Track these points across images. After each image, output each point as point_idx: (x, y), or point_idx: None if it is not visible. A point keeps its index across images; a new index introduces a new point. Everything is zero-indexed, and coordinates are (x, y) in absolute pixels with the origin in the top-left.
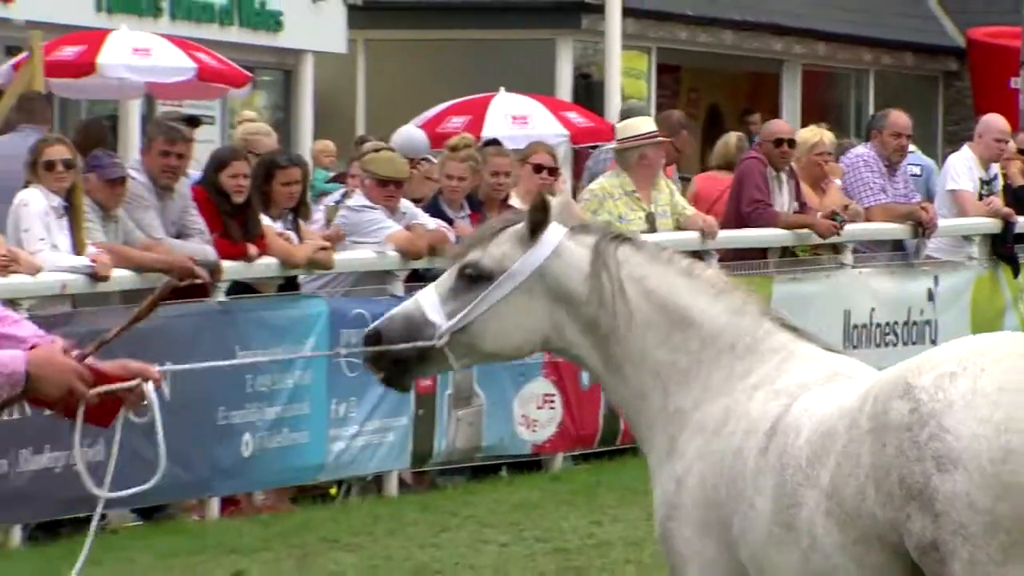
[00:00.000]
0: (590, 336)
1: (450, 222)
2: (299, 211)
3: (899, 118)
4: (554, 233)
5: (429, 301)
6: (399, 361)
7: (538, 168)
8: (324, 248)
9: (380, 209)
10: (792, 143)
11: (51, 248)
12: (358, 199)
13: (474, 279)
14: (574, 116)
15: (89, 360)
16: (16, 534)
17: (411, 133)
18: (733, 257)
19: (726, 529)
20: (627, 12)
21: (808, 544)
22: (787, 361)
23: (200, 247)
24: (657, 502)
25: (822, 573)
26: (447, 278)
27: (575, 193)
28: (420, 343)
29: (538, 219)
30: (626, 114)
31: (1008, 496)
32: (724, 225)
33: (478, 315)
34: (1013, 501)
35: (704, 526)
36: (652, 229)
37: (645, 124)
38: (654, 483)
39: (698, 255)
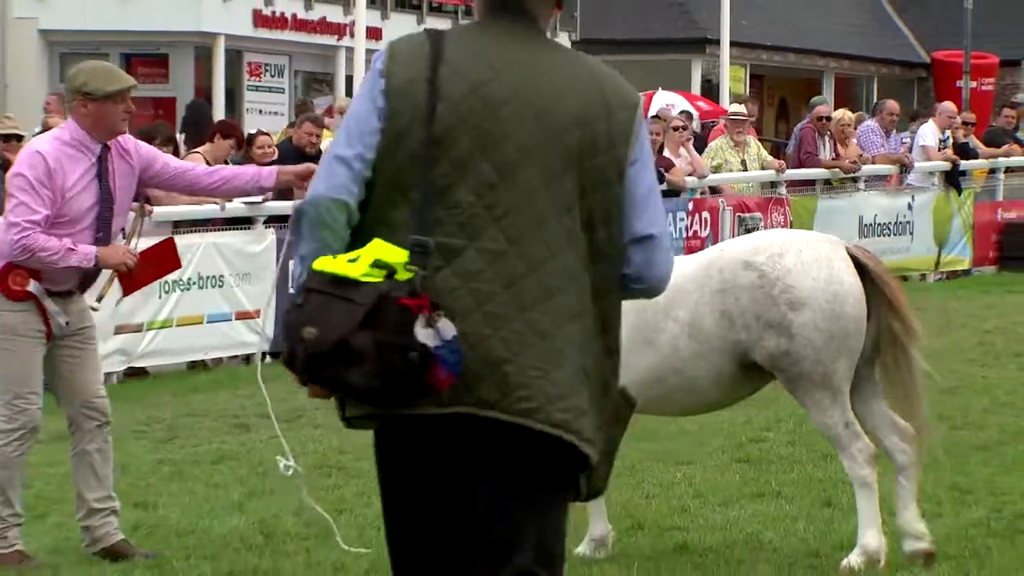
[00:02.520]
0: None
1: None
2: None
3: (891, 104)
4: None
5: None
6: None
7: (676, 128)
8: None
9: None
10: (829, 119)
11: None
12: None
13: None
14: (701, 103)
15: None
16: None
17: None
18: (793, 185)
19: None
20: (733, 43)
21: (669, 352)
22: None
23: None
24: None
25: (678, 367)
26: None
27: (700, 148)
28: None
29: None
30: (816, 103)
31: (838, 320)
32: (789, 166)
33: None
34: (841, 323)
35: None
36: (745, 168)
37: (739, 109)
38: None
39: (774, 185)
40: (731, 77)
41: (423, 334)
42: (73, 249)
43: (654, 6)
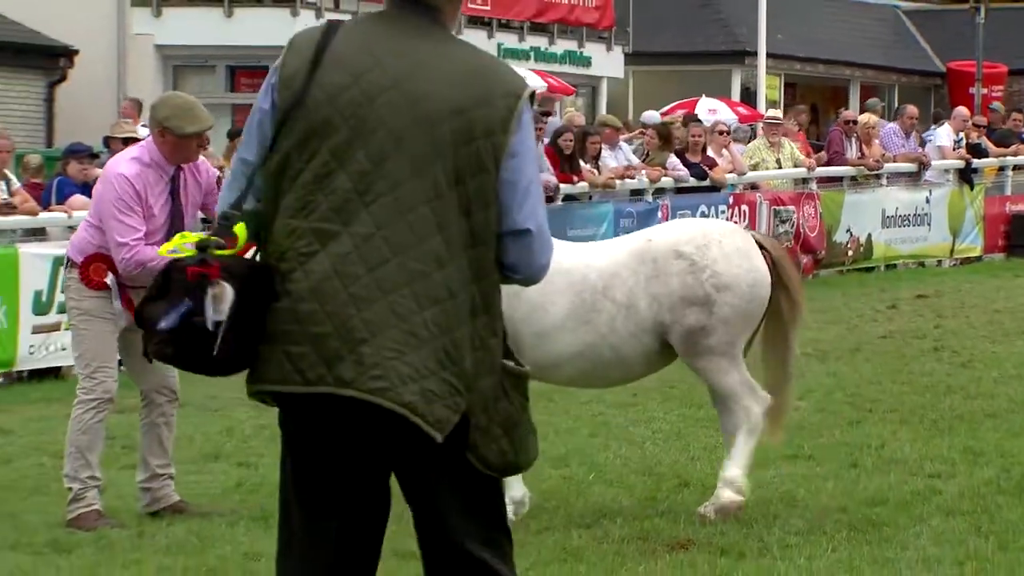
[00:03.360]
0: None
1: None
2: (598, 156)
3: (911, 109)
4: None
5: None
6: None
7: (719, 132)
8: (611, 178)
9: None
10: (855, 122)
11: None
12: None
13: None
14: (741, 109)
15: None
16: None
17: (651, 115)
18: (823, 181)
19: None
20: (769, 55)
21: (607, 331)
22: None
23: (548, 177)
24: None
25: (615, 344)
26: None
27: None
28: None
29: None
30: (870, 106)
31: (753, 302)
32: (819, 164)
33: None
34: (754, 304)
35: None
36: (779, 166)
37: (774, 113)
38: None
39: (805, 181)
40: (767, 85)
41: (211, 303)
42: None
43: (698, 22)
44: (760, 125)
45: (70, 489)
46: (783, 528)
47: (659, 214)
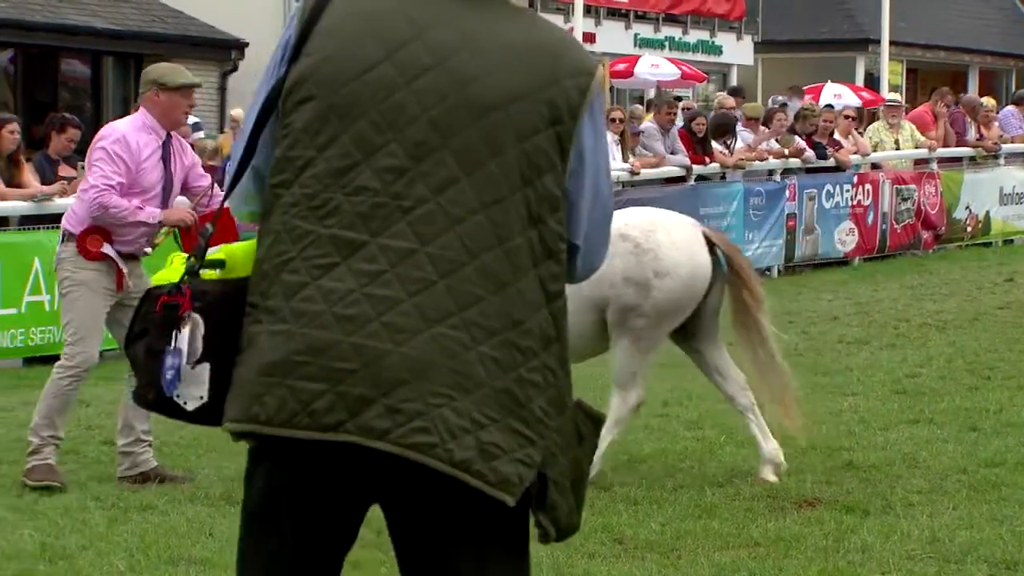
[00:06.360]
0: None
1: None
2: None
3: None
4: None
5: None
6: None
7: (846, 117)
8: (741, 159)
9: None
10: (976, 106)
11: (612, 159)
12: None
13: None
14: (864, 93)
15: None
16: None
17: (776, 98)
18: (943, 161)
19: None
20: (891, 42)
21: None
22: None
23: (681, 159)
24: None
25: None
26: None
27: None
28: None
29: None
30: (1018, 96)
31: (687, 292)
32: (940, 145)
33: None
34: (688, 295)
35: None
36: (897, 147)
37: (894, 97)
38: None
39: (926, 161)
40: (889, 71)
41: (184, 338)
42: (141, 208)
43: (824, 11)
44: (881, 108)
45: (31, 442)
46: (906, 487)
47: (786, 193)
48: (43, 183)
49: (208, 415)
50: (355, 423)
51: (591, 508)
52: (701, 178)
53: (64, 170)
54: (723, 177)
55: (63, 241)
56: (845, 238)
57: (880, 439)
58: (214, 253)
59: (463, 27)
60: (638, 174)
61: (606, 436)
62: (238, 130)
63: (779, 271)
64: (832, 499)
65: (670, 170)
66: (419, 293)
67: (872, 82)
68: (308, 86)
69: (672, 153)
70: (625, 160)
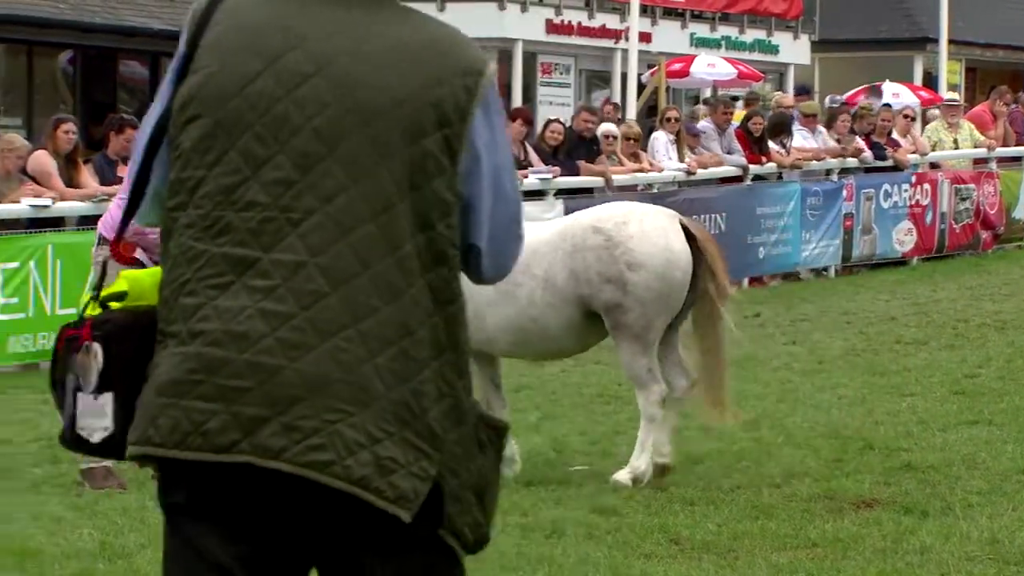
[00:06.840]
0: None
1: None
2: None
3: None
4: None
5: None
6: None
7: (905, 116)
8: (798, 159)
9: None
10: None
11: (668, 158)
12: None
13: None
14: (923, 92)
15: None
16: None
17: (835, 98)
18: (1003, 160)
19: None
20: (950, 41)
21: (526, 304)
22: None
23: (738, 159)
24: None
25: (534, 316)
26: None
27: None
28: None
29: None
30: None
31: (667, 282)
32: (999, 144)
33: None
34: (668, 285)
35: None
36: (956, 147)
37: (953, 96)
38: None
39: (985, 161)
40: (948, 70)
41: (82, 373)
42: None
43: (882, 10)
44: (940, 107)
45: None
46: (965, 488)
47: (843, 193)
48: (103, 183)
49: (116, 448)
50: (250, 442)
51: (647, 509)
52: (758, 178)
53: (123, 170)
54: (780, 177)
55: (98, 244)
56: (903, 238)
57: (939, 440)
58: (115, 284)
59: (347, 33)
60: (694, 174)
61: (647, 437)
62: None
63: (836, 271)
64: (890, 500)
65: (727, 170)
66: (312, 306)
67: (930, 81)
68: (195, 104)
69: (728, 153)
70: (681, 160)
